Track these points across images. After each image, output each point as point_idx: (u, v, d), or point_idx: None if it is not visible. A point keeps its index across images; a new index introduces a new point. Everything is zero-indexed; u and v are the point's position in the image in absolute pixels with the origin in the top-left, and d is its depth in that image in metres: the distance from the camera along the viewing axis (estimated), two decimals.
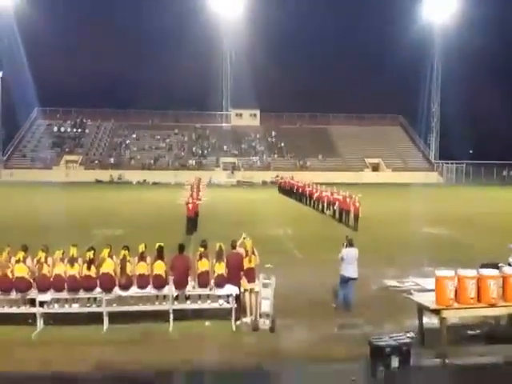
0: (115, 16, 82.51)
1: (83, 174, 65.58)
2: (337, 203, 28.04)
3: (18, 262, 11.04)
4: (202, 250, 11.73)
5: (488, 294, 9.82)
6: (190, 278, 11.52)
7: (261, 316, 11.26)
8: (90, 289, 11.11)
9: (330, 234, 22.00)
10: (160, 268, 11.28)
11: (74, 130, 75.50)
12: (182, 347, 10.13)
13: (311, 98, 79.94)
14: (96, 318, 11.09)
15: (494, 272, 10.09)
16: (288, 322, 11.44)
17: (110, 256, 11.37)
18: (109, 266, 11.17)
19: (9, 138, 70.97)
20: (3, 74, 68.78)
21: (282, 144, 76.25)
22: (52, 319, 11.19)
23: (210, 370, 9.35)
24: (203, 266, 11.44)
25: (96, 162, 69.80)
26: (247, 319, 11.43)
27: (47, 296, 11.00)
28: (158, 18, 78.91)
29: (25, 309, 11.14)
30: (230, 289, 11.36)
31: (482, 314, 10.48)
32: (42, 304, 11.00)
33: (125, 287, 11.18)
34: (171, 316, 11.16)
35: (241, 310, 11.52)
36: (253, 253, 11.74)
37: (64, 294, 11.11)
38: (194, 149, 74.31)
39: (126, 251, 11.42)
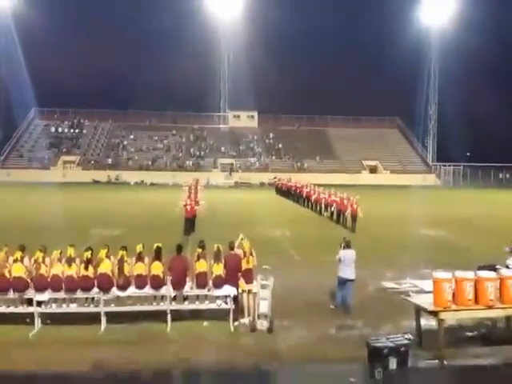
0: (113, 16, 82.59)
1: (81, 175, 65.53)
2: (334, 205, 28.06)
3: (15, 261, 11.03)
4: (200, 250, 11.72)
5: (485, 296, 9.84)
6: (187, 279, 11.52)
7: (259, 317, 11.25)
8: (87, 289, 11.10)
9: (328, 236, 21.99)
10: (158, 268, 11.27)
11: (72, 130, 75.42)
12: (179, 348, 10.12)
13: (309, 99, 79.98)
14: (94, 318, 11.07)
15: (491, 274, 10.11)
16: (286, 322, 11.45)
17: (108, 256, 11.36)
18: (106, 267, 11.16)
19: (6, 138, 70.90)
20: (0, 73, 68.76)
21: (280, 145, 76.32)
22: (50, 319, 11.17)
23: (207, 370, 9.35)
24: (201, 266, 11.44)
25: (93, 162, 69.74)
26: (245, 320, 11.42)
27: (45, 296, 10.98)
28: (156, 18, 78.76)
29: (22, 309, 11.13)
30: (228, 290, 11.36)
31: (480, 315, 10.50)
32: (39, 304, 10.99)
33: (122, 287, 11.17)
34: (169, 316, 11.15)
35: (239, 311, 11.52)
36: (250, 254, 11.74)
37: (62, 294, 11.09)
38: (191, 150, 74.33)
39: (124, 251, 11.42)
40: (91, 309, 11.33)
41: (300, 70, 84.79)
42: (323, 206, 30.83)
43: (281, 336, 10.78)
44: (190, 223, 22.90)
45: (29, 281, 11.01)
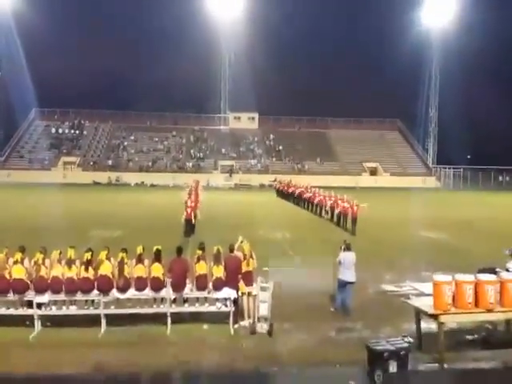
0: (114, 17, 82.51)
1: (81, 176, 65.55)
2: (335, 207, 28.01)
3: (15, 263, 11.02)
4: (200, 252, 11.71)
5: (485, 299, 9.84)
6: (187, 281, 11.51)
7: (259, 319, 11.23)
8: (87, 291, 11.09)
9: (328, 238, 21.99)
10: (158, 270, 11.26)
11: (72, 131, 75.45)
12: (179, 350, 10.11)
13: (310, 101, 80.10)
14: (94, 321, 11.06)
15: (491, 277, 10.11)
16: (286, 325, 11.44)
17: (108, 258, 11.35)
18: (107, 268, 11.15)
19: (7, 138, 70.93)
20: (1, 74, 68.86)
21: (280, 147, 76.35)
22: (49, 321, 11.16)
23: (207, 373, 9.34)
24: (201, 268, 11.43)
25: (94, 163, 69.76)
26: (245, 322, 11.42)
27: (45, 298, 10.97)
28: (156, 20, 78.89)
29: (22, 310, 11.11)
30: (228, 292, 11.35)
31: (480, 319, 10.50)
32: (39, 306, 10.98)
33: (122, 289, 11.17)
34: (169, 319, 11.14)
35: (239, 314, 11.51)
36: (251, 256, 11.74)
37: (61, 296, 11.09)
38: (192, 151, 74.35)
39: (124, 253, 11.41)
40: (91, 311, 11.32)
41: (300, 72, 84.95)
42: (323, 208, 30.78)
43: (281, 339, 10.77)
44: (190, 225, 22.88)
45: (29, 282, 11.00)
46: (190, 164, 71.24)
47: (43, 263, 11.12)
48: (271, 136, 78.35)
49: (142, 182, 63.82)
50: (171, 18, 73.13)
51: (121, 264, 11.22)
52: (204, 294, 11.48)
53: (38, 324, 10.94)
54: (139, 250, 11.45)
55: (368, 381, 8.88)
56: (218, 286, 11.33)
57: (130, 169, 68.69)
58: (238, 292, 11.44)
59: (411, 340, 9.68)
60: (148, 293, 11.31)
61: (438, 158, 78.16)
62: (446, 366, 9.51)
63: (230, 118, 79.93)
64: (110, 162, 69.79)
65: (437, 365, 9.55)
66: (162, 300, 11.48)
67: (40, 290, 10.91)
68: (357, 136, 79.09)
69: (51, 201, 35.19)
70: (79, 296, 11.16)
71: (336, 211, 27.84)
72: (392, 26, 72.23)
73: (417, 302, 10.77)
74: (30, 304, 11.06)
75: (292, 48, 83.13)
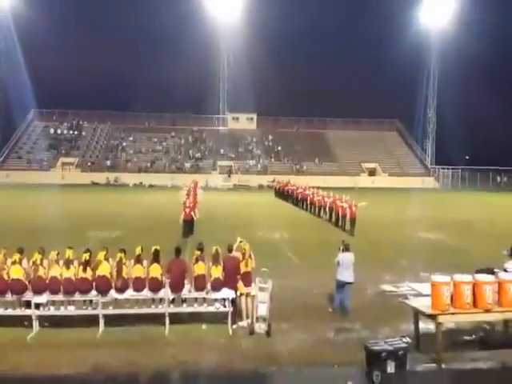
0: (113, 18, 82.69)
1: (79, 177, 65.51)
2: (334, 207, 28.02)
3: (13, 263, 11.02)
4: (199, 253, 11.72)
5: (483, 300, 9.85)
6: (186, 282, 11.51)
7: (257, 320, 11.24)
8: (85, 291, 11.08)
9: (327, 239, 22.01)
10: (156, 271, 11.26)
11: (71, 132, 75.40)
12: (178, 350, 10.11)
13: (308, 101, 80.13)
14: (92, 321, 11.06)
15: (489, 277, 10.12)
16: (284, 325, 11.45)
17: (106, 259, 11.35)
18: (105, 269, 11.15)
19: (5, 139, 70.77)
20: (0, 75, 68.71)
21: (279, 148, 76.37)
22: (48, 321, 11.15)
23: (206, 373, 9.34)
24: (199, 269, 11.43)
25: (92, 164, 69.71)
26: (243, 323, 11.43)
27: (43, 298, 10.96)
28: (155, 20, 78.88)
29: (20, 311, 11.10)
30: (227, 292, 11.35)
31: (478, 319, 10.51)
32: (37, 306, 10.97)
33: (121, 290, 11.16)
34: (167, 319, 11.15)
35: (237, 314, 11.52)
36: (249, 256, 11.74)
37: (60, 297, 11.08)
38: (190, 152, 74.34)
39: (123, 254, 11.41)
40: (89, 311, 11.31)
41: (299, 72, 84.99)
42: (322, 208, 30.80)
43: (279, 339, 10.77)
44: (188, 225, 22.87)
45: (27, 283, 11.00)
46: (189, 164, 71.24)
47: (41, 263, 11.12)
48: (270, 136, 78.38)
49: (141, 183, 63.79)
50: (170, 19, 73.23)
51: (119, 264, 11.23)
52: (202, 294, 11.47)
53: (36, 324, 10.93)
54: (138, 250, 11.45)
55: (366, 381, 8.89)
56: (217, 286, 11.34)
57: (129, 169, 68.67)
58: (236, 292, 11.45)
59: (409, 340, 9.71)
60: (146, 293, 11.31)
61: (437, 158, 78.25)
62: (443, 366, 9.52)
63: (229, 119, 79.96)
64: (108, 163, 69.75)
65: (435, 365, 9.56)
66: (161, 300, 11.47)
67: (38, 291, 10.90)
68: (355, 136, 79.09)
69: (50, 201, 35.18)
70: (77, 296, 11.15)
71: (334, 211, 27.90)
72: (391, 26, 72.37)
73: (415, 303, 10.78)
74: (28, 304, 11.06)
75: (291, 49, 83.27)
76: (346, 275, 12.40)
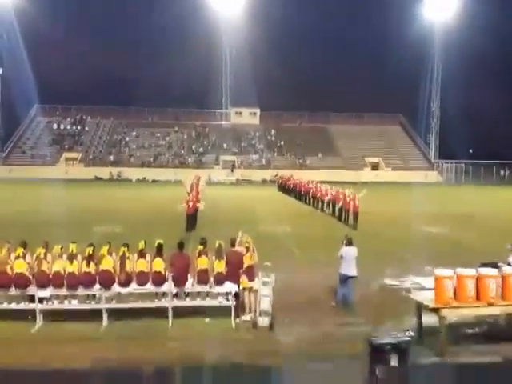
0: (115, 13, 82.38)
1: (83, 172, 65.67)
2: (337, 201, 28.01)
3: (17, 258, 11.06)
4: (202, 247, 11.74)
5: (487, 293, 9.84)
6: (189, 276, 11.53)
7: (260, 314, 11.26)
8: (89, 285, 11.13)
9: (329, 233, 22.00)
10: (159, 265, 11.29)
11: (74, 127, 75.54)
12: (181, 344, 10.14)
13: (311, 96, 79.89)
14: (95, 315, 11.09)
15: (493, 271, 10.10)
16: (287, 319, 11.45)
17: (110, 253, 11.39)
18: (108, 263, 11.18)
19: (8, 134, 71.03)
20: (3, 71, 68.80)
21: (282, 142, 76.29)
22: (51, 315, 11.19)
23: (209, 367, 9.35)
24: (202, 263, 11.45)
25: (95, 159, 69.83)
26: (246, 317, 11.43)
27: (46, 292, 11.01)
28: (157, 15, 78.72)
29: (24, 305, 11.15)
30: (230, 286, 11.37)
31: (481, 313, 10.49)
32: (41, 300, 11.02)
33: (124, 284, 11.20)
34: (170, 313, 11.17)
35: (240, 308, 11.53)
36: (253, 250, 11.74)
37: (63, 291, 11.12)
38: (193, 147, 74.34)
39: (126, 248, 11.45)
40: (93, 305, 11.34)
41: (302, 67, 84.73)
42: (325, 202, 30.80)
43: (282, 333, 10.78)
44: (191, 220, 22.88)
45: (30, 277, 11.03)
46: (192, 159, 71.27)
47: (45, 258, 11.16)
48: (273, 131, 78.29)
49: (144, 178, 63.84)
50: (172, 14, 72.95)
51: (122, 259, 11.26)
52: (206, 288, 11.50)
53: (39, 318, 10.98)
54: (141, 244, 11.47)
55: (369, 375, 8.88)
56: (220, 280, 11.36)
57: (132, 164, 68.76)
58: (239, 286, 11.46)
59: (412, 334, 9.67)
60: (149, 287, 11.34)
61: (440, 152, 78.10)
62: (447, 359, 9.52)
63: (232, 114, 79.88)
64: (111, 158, 69.85)
65: (438, 358, 9.56)
66: (164, 294, 11.50)
67: (42, 285, 10.95)
68: (358, 131, 78.95)
69: (53, 196, 35.24)
70: (81, 290, 11.19)
71: (337, 205, 27.89)
72: (394, 20, 72.06)
73: (418, 296, 10.78)
74: (31, 298, 11.10)
75: (293, 43, 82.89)
76: (349, 269, 12.39)
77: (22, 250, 11.23)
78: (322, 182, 35.08)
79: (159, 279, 11.27)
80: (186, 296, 11.66)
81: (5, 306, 11.07)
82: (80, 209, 31.10)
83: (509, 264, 11.51)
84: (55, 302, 11.25)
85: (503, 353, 9.90)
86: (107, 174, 65.40)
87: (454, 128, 68.45)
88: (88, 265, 11.07)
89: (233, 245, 11.97)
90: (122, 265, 11.20)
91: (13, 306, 11.11)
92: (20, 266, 10.97)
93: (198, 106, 79.02)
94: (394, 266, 16.63)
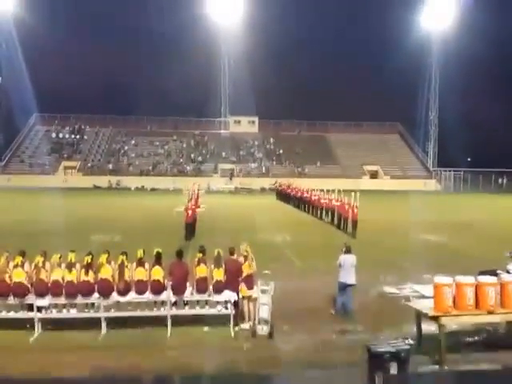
0: (114, 23, 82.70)
1: (81, 180, 65.66)
2: (336, 209, 28.03)
3: (15, 267, 11.03)
4: (200, 255, 11.73)
5: (486, 301, 9.83)
6: (188, 284, 11.52)
7: (259, 322, 11.23)
8: (87, 294, 11.09)
9: (328, 241, 22.00)
10: (158, 274, 11.27)
11: (73, 135, 75.62)
12: (180, 353, 10.11)
13: (310, 104, 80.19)
14: (94, 324, 11.06)
15: (492, 279, 10.10)
16: (286, 328, 11.44)
17: (108, 262, 11.37)
18: (107, 272, 11.16)
19: (7, 143, 71.12)
20: (2, 79, 69.03)
21: (281, 151, 76.42)
22: (50, 324, 11.16)
23: (208, 375, 9.33)
24: (201, 271, 11.43)
25: (94, 167, 69.86)
26: (246, 325, 11.41)
27: (45, 301, 10.98)
28: (156, 25, 79.00)
29: (23, 314, 11.11)
30: (229, 295, 11.35)
31: (480, 320, 10.48)
32: (39, 309, 10.98)
33: (123, 293, 11.17)
34: (169, 322, 11.15)
35: (239, 316, 11.51)
36: (251, 259, 11.74)
37: (62, 300, 11.09)
38: (192, 155, 74.44)
39: (124, 257, 11.42)
40: (91, 314, 11.31)
41: (300, 76, 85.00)
42: (324, 211, 30.81)
43: (281, 341, 10.76)
44: (190, 228, 22.88)
45: (29, 286, 11.01)
46: (191, 168, 71.32)
47: (43, 266, 11.13)
48: (271, 139, 78.44)
49: (143, 186, 63.84)
50: (171, 23, 73.28)
51: (121, 267, 11.23)
52: (204, 296, 11.48)
53: (38, 327, 10.94)
54: (140, 253, 11.45)
55: (368, 383, 8.86)
56: (219, 288, 11.34)
57: (131, 173, 68.77)
58: (238, 295, 11.44)
59: (412, 342, 9.66)
60: (148, 296, 11.32)
61: (439, 160, 78.30)
62: (446, 367, 9.50)
63: (231, 122, 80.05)
64: (110, 167, 69.89)
65: (437, 367, 9.55)
66: (163, 303, 11.49)
67: (40, 294, 10.92)
68: (357, 139, 79.14)
69: (52, 205, 35.22)
70: (79, 299, 11.15)
71: (336, 214, 27.93)
72: (392, 29, 72.38)
73: (417, 304, 10.77)
74: (30, 307, 11.07)
75: (292, 52, 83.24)
76: (348, 277, 12.38)
77: (21, 258, 11.20)
78: (321, 191, 35.07)
79: (158, 288, 11.25)
80: (185, 304, 11.63)
81: (3, 314, 11.04)
82: (79, 217, 31.07)
83: (507, 272, 11.52)
84: (54, 310, 11.21)
85: (502, 361, 9.88)
86: (106, 183, 65.43)
87: (453, 136, 68.67)
88: (87, 273, 11.05)
89: (231, 253, 11.95)
90: (121, 273, 11.18)
91: (11, 314, 11.08)
92: (18, 275, 10.95)
93: (197, 115, 79.37)
94: (393, 274, 16.64)
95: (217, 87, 77.21)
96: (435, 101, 78.52)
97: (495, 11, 71.57)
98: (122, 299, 11.23)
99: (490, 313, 9.91)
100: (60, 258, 11.41)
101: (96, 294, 11.10)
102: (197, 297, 11.52)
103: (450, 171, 73.61)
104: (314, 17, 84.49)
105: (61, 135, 75.05)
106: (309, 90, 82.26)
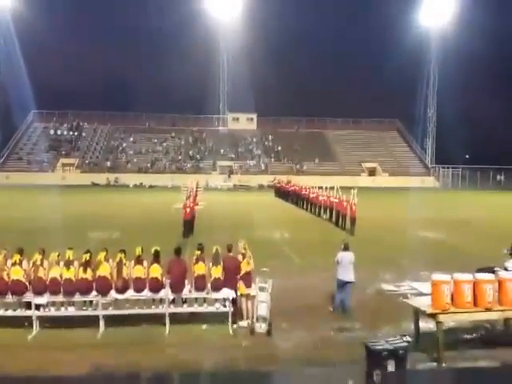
0: (113, 19, 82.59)
1: (79, 177, 65.58)
2: (334, 207, 28.04)
3: (14, 264, 11.02)
4: (199, 253, 11.72)
5: (484, 299, 9.84)
6: (186, 282, 11.51)
7: (257, 319, 11.24)
8: (86, 292, 11.08)
9: (327, 238, 22.01)
10: (156, 271, 11.26)
11: (71, 132, 75.50)
12: (178, 351, 10.11)
13: (308, 101, 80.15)
14: (92, 322, 11.06)
15: (490, 276, 10.12)
16: (285, 325, 11.45)
17: (107, 259, 11.35)
18: (105, 270, 11.15)
19: (5, 140, 70.93)
20: (0, 76, 68.75)
21: (279, 148, 76.40)
22: (48, 322, 11.15)
23: (206, 373, 9.34)
24: (199, 269, 11.43)
25: (92, 165, 69.78)
26: (244, 323, 11.42)
27: (43, 299, 10.97)
28: (155, 21, 78.84)
29: (21, 312, 11.10)
30: (227, 292, 11.35)
31: (478, 318, 10.50)
32: (37, 307, 10.97)
33: (121, 290, 11.16)
34: (167, 319, 11.14)
35: (237, 314, 11.51)
36: (249, 257, 11.74)
37: (60, 297, 11.08)
38: (190, 152, 74.39)
39: (123, 254, 11.41)
40: (89, 312, 11.31)
41: (299, 72, 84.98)
42: (322, 208, 30.82)
43: (279, 338, 10.77)
44: (188, 226, 22.87)
45: (27, 284, 11.00)
46: (189, 165, 71.29)
47: (41, 264, 11.11)
48: (270, 137, 78.42)
49: (141, 184, 63.80)
50: (170, 20, 73.23)
51: (119, 265, 11.22)
52: (203, 294, 11.47)
53: (36, 325, 10.93)
54: (138, 251, 11.44)
55: (367, 380, 8.88)
56: (217, 286, 11.34)
57: (129, 170, 68.73)
58: (236, 292, 11.44)
59: (410, 339, 9.68)
60: (147, 294, 11.31)
61: (437, 157, 78.33)
62: (444, 365, 9.52)
63: (229, 119, 79.99)
64: (108, 164, 69.82)
65: (435, 364, 9.56)
66: (161, 301, 11.47)
67: (38, 291, 10.91)
68: (355, 136, 79.22)
69: (50, 202, 35.15)
70: (77, 297, 11.15)
71: (334, 211, 27.93)
72: (391, 26, 72.39)
73: (415, 302, 10.78)
74: (28, 305, 11.06)
75: (291, 49, 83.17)
76: (346, 274, 12.39)
77: (19, 256, 11.19)
78: (319, 188, 35.06)
79: (156, 285, 11.25)
80: (183, 302, 11.63)
81: (1, 312, 11.02)
82: (77, 215, 31.04)
83: (505, 269, 11.54)
84: (52, 308, 11.21)
85: (500, 358, 9.90)
86: (104, 180, 65.37)
87: (451, 133, 68.73)
88: (85, 271, 11.04)
89: (229, 250, 11.95)
90: (119, 271, 11.17)
91: (9, 312, 11.06)
92: (16, 273, 10.93)
93: (196, 112, 79.29)
94: (391, 271, 16.67)
95: (215, 84, 77.23)
96: (434, 98, 78.59)
97: (494, 8, 71.62)
98: (120, 297, 11.22)
99: (488, 310, 9.93)
100: (58, 255, 11.40)
101: (94, 292, 11.09)
102: (195, 294, 11.51)
103: (448, 168, 73.65)
104: (313, 13, 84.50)
105: (59, 132, 74.94)
106: (307, 87, 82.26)
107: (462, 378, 9.51)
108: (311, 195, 33.82)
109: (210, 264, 11.50)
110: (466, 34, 66.14)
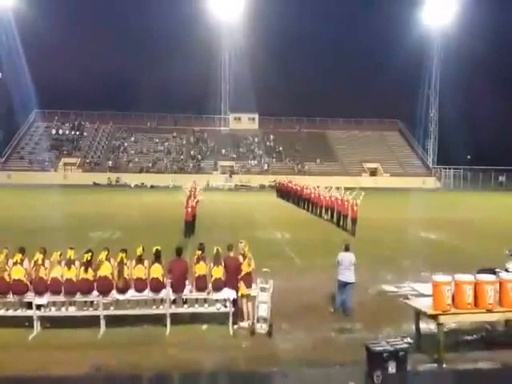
0: (114, 19, 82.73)
1: (81, 177, 65.59)
2: (335, 207, 28.01)
3: (15, 264, 11.01)
4: (200, 253, 11.70)
5: (485, 300, 9.84)
6: (187, 282, 11.51)
7: (258, 320, 11.24)
8: (87, 292, 11.08)
9: (328, 239, 21.99)
10: (157, 271, 11.25)
11: (73, 132, 75.51)
12: (179, 351, 10.11)
13: (310, 102, 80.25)
14: (93, 322, 11.06)
15: (491, 277, 10.11)
16: (285, 326, 11.44)
17: (108, 259, 11.34)
18: (106, 270, 11.14)
19: (7, 140, 70.97)
20: (2, 75, 68.85)
21: (281, 148, 76.35)
22: (49, 322, 11.16)
23: (207, 374, 9.35)
24: (200, 269, 11.42)
25: (94, 164, 69.79)
26: (244, 323, 11.42)
27: (44, 299, 10.96)
28: (157, 21, 78.92)
29: (22, 312, 11.11)
30: (228, 293, 11.35)
31: (479, 319, 10.49)
32: (38, 307, 10.97)
33: (122, 291, 11.15)
34: (168, 320, 11.14)
35: (238, 314, 11.51)
36: (250, 258, 11.72)
37: (61, 297, 11.08)
38: (192, 152, 74.37)
39: (124, 254, 11.39)
40: (90, 312, 11.31)
41: (301, 72, 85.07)
42: (324, 208, 30.79)
43: (280, 339, 10.77)
44: (189, 226, 22.88)
45: (28, 284, 10.99)
46: (191, 165, 71.28)
47: (43, 264, 11.10)
48: (271, 137, 78.37)
49: (142, 183, 63.76)
50: (171, 19, 73.48)
51: (120, 265, 11.21)
52: (203, 294, 11.46)
53: (37, 325, 10.94)
54: (139, 251, 11.42)
55: (367, 381, 8.88)
56: (218, 286, 11.33)
57: (130, 170, 68.72)
58: (237, 293, 11.44)
59: (410, 340, 9.68)
60: (147, 294, 11.31)
61: (438, 158, 78.13)
62: (445, 366, 9.51)
63: (230, 119, 79.93)
64: (110, 163, 69.81)
65: (436, 365, 9.56)
66: (162, 301, 11.47)
67: (39, 291, 10.90)
68: (357, 136, 79.14)
69: (51, 202, 35.24)
70: (78, 297, 11.15)
71: (336, 212, 27.91)
72: (392, 26, 72.38)
73: (416, 303, 10.77)
74: (29, 305, 11.06)
75: (292, 48, 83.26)
76: (347, 275, 12.38)
77: (20, 256, 11.18)
78: (325, 188, 35.05)
79: (157, 285, 11.24)
80: (184, 302, 11.63)
81: (2, 312, 11.03)
82: (78, 214, 31.05)
83: (506, 270, 11.54)
84: (53, 308, 11.21)
85: (501, 359, 9.90)
86: (106, 180, 65.35)
87: (453, 134, 68.65)
88: (86, 271, 11.03)
89: (229, 250, 11.94)
90: (120, 271, 11.16)
91: (10, 312, 11.07)
92: (18, 273, 10.93)
93: (197, 112, 79.26)
94: (393, 272, 16.65)
95: (217, 84, 77.06)
96: (435, 98, 78.36)
97: (496, 8, 71.54)
98: (121, 297, 11.22)
99: (489, 311, 9.93)
100: (60, 255, 11.38)
101: (95, 292, 11.09)
102: (196, 295, 11.51)
103: (449, 169, 73.51)
104: (315, 13, 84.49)
105: (60, 132, 74.95)
106: (309, 87, 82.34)
107: (463, 379, 9.52)
108: (312, 195, 33.77)
109: (211, 264, 11.49)
110: (468, 34, 66.16)
